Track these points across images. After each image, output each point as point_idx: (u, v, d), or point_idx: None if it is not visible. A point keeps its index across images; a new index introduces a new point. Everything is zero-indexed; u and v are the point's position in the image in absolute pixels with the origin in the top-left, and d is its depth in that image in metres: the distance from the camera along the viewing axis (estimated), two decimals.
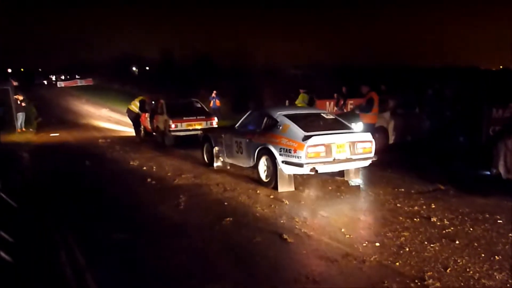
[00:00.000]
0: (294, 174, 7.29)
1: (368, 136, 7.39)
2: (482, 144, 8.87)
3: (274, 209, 6.20)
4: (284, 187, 7.18)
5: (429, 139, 9.84)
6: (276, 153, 7.15)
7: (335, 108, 16.09)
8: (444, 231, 5.04)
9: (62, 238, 5.20)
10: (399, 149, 10.58)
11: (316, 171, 6.82)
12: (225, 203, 6.56)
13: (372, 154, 7.31)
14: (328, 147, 6.86)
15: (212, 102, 20.00)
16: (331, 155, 6.89)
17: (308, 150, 6.72)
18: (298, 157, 6.79)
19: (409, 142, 10.70)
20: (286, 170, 7.09)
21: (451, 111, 9.63)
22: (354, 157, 7.09)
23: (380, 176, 8.07)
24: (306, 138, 6.81)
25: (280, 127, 7.36)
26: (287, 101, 18.38)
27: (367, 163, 7.42)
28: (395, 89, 15.27)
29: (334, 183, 7.68)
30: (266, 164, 7.54)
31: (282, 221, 5.62)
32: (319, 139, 6.83)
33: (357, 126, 10.21)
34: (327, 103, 17.38)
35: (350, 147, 7.05)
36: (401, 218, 5.57)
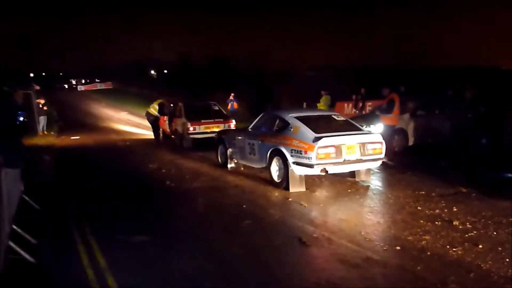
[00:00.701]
0: (306, 175, 7.37)
1: (378, 137, 7.50)
2: (504, 146, 8.68)
3: (292, 212, 6.19)
4: (295, 188, 7.29)
5: (450, 141, 9.67)
6: (287, 154, 7.26)
7: (354, 110, 15.98)
8: (466, 235, 4.95)
9: (84, 240, 5.27)
10: (419, 151, 10.44)
11: (327, 171, 6.94)
12: (244, 206, 6.56)
13: (382, 155, 7.41)
14: (338, 148, 6.97)
15: (229, 104, 20.05)
16: (341, 156, 7.00)
17: (319, 151, 6.83)
18: (308, 158, 6.89)
19: (429, 144, 10.55)
20: (297, 171, 7.19)
21: (472, 112, 9.43)
22: (364, 158, 7.18)
23: (399, 179, 7.97)
24: (316, 139, 6.92)
25: (291, 129, 7.49)
26: (304, 104, 18.36)
27: (377, 164, 7.52)
28: (414, 91, 15.09)
29: (348, 184, 7.64)
30: (278, 165, 7.64)
31: (300, 224, 5.60)
32: (329, 140, 6.95)
33: (376, 128, 10.14)
34: (346, 105, 17.29)
35: (360, 148, 7.15)
36: (422, 221, 5.49)
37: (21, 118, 5.84)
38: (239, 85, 27.15)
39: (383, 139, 9.78)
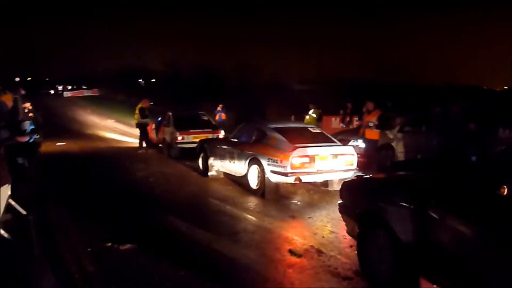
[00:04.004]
0: (283, 184, 7.80)
1: (350, 149, 7.98)
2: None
3: (282, 223, 6.20)
4: (271, 195, 7.64)
5: (439, 157, 9.82)
6: (264, 163, 7.64)
7: (341, 125, 16.13)
8: None
9: (70, 245, 5.21)
10: (405, 167, 10.55)
11: (300, 180, 7.32)
12: (232, 217, 6.56)
13: (354, 166, 7.86)
14: (311, 159, 7.38)
15: (218, 115, 20.07)
16: (315, 166, 7.39)
17: (293, 161, 7.23)
18: (283, 167, 7.28)
19: (418, 160, 10.69)
20: (273, 178, 7.53)
21: (461, 129, 9.62)
22: (336, 168, 7.60)
23: None
24: (291, 149, 7.33)
25: (269, 139, 7.91)
26: (292, 116, 18.47)
27: (349, 174, 7.90)
28: (400, 106, 15.32)
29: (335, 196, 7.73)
30: (255, 173, 7.96)
31: (290, 235, 5.62)
32: (303, 150, 7.37)
33: (361, 142, 10.30)
34: (333, 119, 17.45)
35: (333, 159, 7.55)
36: None
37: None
38: (228, 96, 27.23)
39: (369, 153, 9.98)
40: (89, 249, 5.04)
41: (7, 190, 5.93)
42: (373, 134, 9.97)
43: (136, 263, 4.65)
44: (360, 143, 10.53)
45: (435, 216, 3.25)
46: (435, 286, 3.09)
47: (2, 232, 4.77)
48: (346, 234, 5.60)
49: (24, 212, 6.22)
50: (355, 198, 4.61)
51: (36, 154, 5.21)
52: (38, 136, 5.33)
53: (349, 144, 10.45)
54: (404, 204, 3.63)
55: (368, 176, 5.66)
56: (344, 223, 4.90)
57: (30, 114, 19.29)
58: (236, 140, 8.98)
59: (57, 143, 17.57)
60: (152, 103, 14.62)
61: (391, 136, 10.92)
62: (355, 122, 15.28)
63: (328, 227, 5.99)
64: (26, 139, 3.92)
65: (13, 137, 3.80)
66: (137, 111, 14.60)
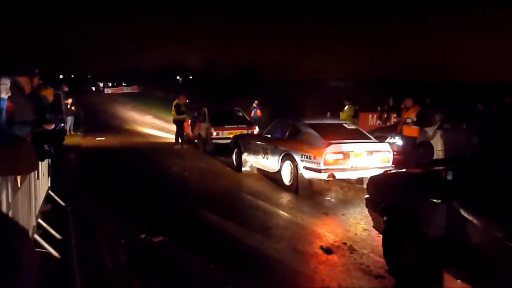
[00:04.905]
0: (317, 180, 7.70)
1: (386, 146, 7.80)
2: None
3: (314, 220, 6.15)
4: (304, 191, 7.55)
5: (479, 155, 9.46)
6: (298, 159, 7.55)
7: (378, 121, 15.80)
8: None
9: (105, 235, 5.34)
10: (443, 165, 10.23)
11: (334, 177, 7.19)
12: (265, 212, 6.56)
13: (389, 164, 7.61)
14: (346, 155, 7.25)
15: (253, 112, 20.05)
16: (349, 162, 7.24)
17: (326, 157, 7.13)
18: (317, 163, 7.18)
19: (457, 158, 10.33)
20: (306, 175, 7.44)
21: (502, 126, 9.21)
22: (371, 165, 7.37)
23: None
24: (325, 145, 7.20)
25: (303, 135, 7.80)
26: (328, 113, 18.24)
27: None
28: (440, 103, 14.83)
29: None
30: (288, 169, 7.89)
31: (322, 232, 5.55)
32: (338, 147, 7.24)
33: (398, 139, 10.05)
34: (370, 116, 17.10)
35: (368, 156, 7.38)
36: None
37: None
38: (263, 93, 27.22)
39: (407, 150, 9.72)
40: (122, 240, 5.16)
41: (47, 181, 6.17)
42: (412, 131, 9.70)
43: (167, 255, 4.73)
44: (398, 140, 10.28)
45: (458, 211, 3.22)
46: (459, 281, 3.02)
47: (41, 221, 4.94)
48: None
49: (62, 203, 6.47)
50: (382, 192, 4.52)
51: (61, 141, 5.43)
52: (63, 125, 5.62)
53: (386, 141, 10.23)
54: (429, 198, 3.62)
55: (395, 171, 5.55)
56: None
57: (73, 108, 20.00)
58: (269, 136, 8.96)
59: (97, 137, 18.08)
60: (187, 100, 14.75)
61: (430, 133, 10.59)
62: (393, 119, 14.94)
63: (362, 224, 5.88)
64: (52, 126, 4.14)
65: (40, 125, 3.99)
66: (173, 108, 14.85)
